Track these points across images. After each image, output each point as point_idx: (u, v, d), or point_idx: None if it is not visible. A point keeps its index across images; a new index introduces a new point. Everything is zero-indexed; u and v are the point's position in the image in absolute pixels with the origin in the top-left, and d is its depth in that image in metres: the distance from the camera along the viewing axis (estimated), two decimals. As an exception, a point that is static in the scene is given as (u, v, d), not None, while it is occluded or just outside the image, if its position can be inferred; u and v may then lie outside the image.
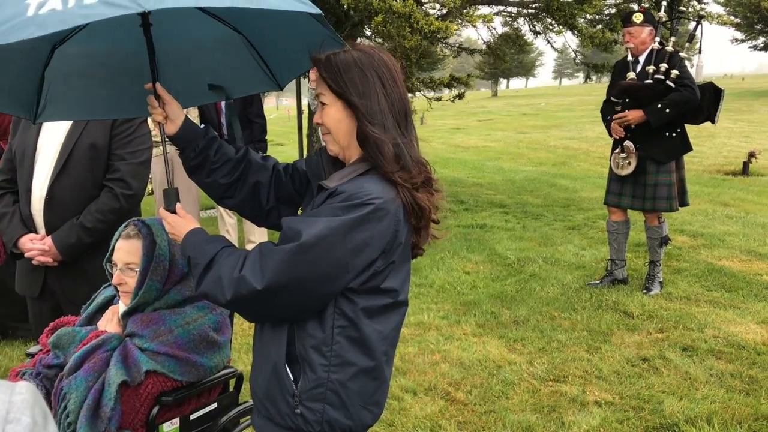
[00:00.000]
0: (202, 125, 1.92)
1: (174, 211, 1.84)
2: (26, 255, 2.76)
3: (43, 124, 2.82)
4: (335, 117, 1.65)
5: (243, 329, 4.40)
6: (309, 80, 7.02)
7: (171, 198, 1.82)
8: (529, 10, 8.49)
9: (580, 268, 5.76)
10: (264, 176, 1.88)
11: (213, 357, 2.02)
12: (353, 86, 1.60)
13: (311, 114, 8.17)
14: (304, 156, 2.71)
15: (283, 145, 18.82)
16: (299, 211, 1.89)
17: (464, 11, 6.23)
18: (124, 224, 2.08)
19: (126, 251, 2.02)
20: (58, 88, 2.04)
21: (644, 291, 5.03)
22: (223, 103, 6.09)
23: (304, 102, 8.83)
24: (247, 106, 6.02)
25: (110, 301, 2.19)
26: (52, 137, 2.80)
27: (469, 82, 9.29)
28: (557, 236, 7.00)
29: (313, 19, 1.75)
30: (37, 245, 2.74)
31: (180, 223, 1.71)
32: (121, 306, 2.07)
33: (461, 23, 7.30)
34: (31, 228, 2.79)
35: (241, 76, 2.18)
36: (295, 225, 1.53)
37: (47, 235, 2.75)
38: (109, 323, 2.07)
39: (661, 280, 5.14)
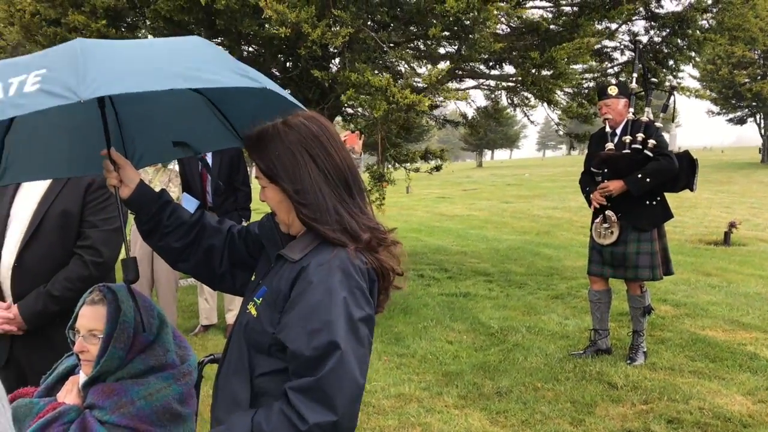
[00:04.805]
0: (160, 189, 1.91)
1: (133, 281, 1.82)
2: (-9, 323, 2.68)
3: (17, 192, 2.79)
4: (274, 198, 1.65)
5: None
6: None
7: (129, 268, 1.80)
8: (508, 83, 8.68)
9: (564, 338, 5.69)
10: (218, 240, 1.86)
11: (176, 430, 1.93)
12: (283, 169, 1.59)
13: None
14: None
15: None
16: (253, 276, 1.86)
17: (442, 86, 6.38)
18: (89, 290, 2.03)
19: (90, 317, 1.95)
20: (18, 152, 2.05)
21: (628, 361, 4.97)
22: (208, 173, 6.12)
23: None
24: (234, 174, 6.06)
25: (71, 371, 2.10)
26: (25, 204, 2.75)
27: (443, 155, 9.42)
28: (541, 305, 6.95)
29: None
30: (2, 313, 2.66)
31: None
32: (82, 376, 1.98)
33: (441, 100, 7.45)
34: (-2, 295, 2.72)
35: (205, 134, 2.18)
36: (320, 341, 1.46)
37: (14, 303, 2.68)
38: (69, 394, 1.98)
39: (645, 350, 5.08)
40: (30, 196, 2.77)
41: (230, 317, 6.26)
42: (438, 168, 9.23)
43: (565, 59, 6.27)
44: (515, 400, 4.29)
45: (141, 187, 1.82)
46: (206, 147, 2.41)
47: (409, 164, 9.22)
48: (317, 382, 1.43)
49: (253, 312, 1.61)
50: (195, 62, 1.60)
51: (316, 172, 1.59)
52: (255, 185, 5.84)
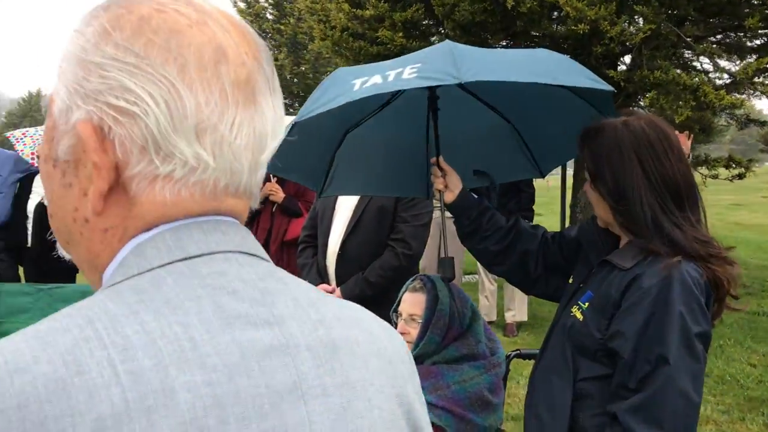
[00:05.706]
0: (480, 196, 2.05)
1: (450, 279, 1.96)
2: (318, 303, 3.08)
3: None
4: (594, 195, 1.65)
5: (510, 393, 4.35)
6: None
7: (446, 267, 1.97)
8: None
9: None
10: (532, 245, 1.92)
11: (487, 418, 2.03)
12: (609, 170, 1.58)
13: (574, 185, 8.04)
14: (566, 226, 2.70)
15: (542, 215, 18.63)
16: (570, 280, 1.86)
17: (757, 80, 5.72)
18: (411, 278, 2.22)
19: (411, 303, 2.14)
20: (343, 167, 2.36)
21: None
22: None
23: (569, 173, 8.71)
24: (519, 176, 6.14)
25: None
26: (348, 199, 3.12)
27: (749, 165, 8.40)
28: None
29: (588, 105, 1.83)
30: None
31: None
32: (404, 356, 2.18)
33: (753, 93, 6.70)
34: (324, 278, 3.11)
35: (505, 163, 2.31)
36: (652, 356, 1.44)
37: (337, 286, 3.05)
38: (391, 371, 2.20)
39: None
40: (352, 192, 3.13)
41: (509, 317, 6.33)
42: (741, 176, 8.31)
43: None
44: (839, 440, 3.74)
45: (464, 193, 1.97)
46: (503, 177, 2.46)
47: (706, 169, 8.41)
48: (644, 398, 1.41)
49: (579, 316, 1.62)
50: (549, 65, 1.77)
51: (642, 179, 1.54)
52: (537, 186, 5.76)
